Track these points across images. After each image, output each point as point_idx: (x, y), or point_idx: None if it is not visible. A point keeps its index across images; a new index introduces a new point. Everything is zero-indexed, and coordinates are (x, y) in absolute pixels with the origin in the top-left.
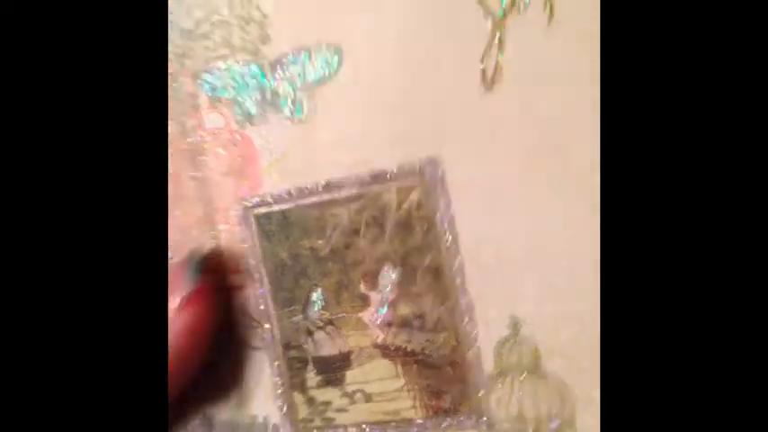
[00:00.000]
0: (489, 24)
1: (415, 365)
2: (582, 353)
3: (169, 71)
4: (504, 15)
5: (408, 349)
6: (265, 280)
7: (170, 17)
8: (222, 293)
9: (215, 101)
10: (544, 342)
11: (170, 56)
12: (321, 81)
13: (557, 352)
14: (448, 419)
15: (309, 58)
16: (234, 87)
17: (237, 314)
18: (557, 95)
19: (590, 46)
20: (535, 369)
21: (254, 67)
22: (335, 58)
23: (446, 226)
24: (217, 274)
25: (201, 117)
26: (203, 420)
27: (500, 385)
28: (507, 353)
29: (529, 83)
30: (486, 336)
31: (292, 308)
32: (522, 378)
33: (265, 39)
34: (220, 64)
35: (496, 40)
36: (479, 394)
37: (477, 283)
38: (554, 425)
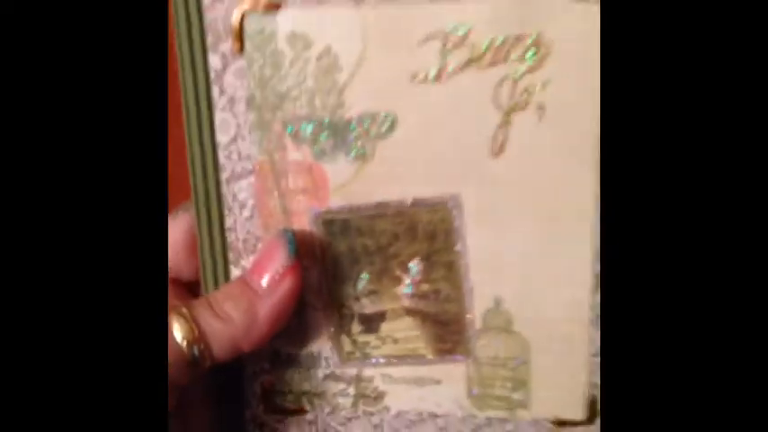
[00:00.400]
0: (500, 116)
1: (429, 322)
2: (537, 321)
3: (265, 118)
4: (510, 110)
5: (425, 311)
6: (328, 263)
7: (269, 80)
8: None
9: (299, 141)
10: (515, 313)
11: (267, 107)
12: (379, 137)
13: (521, 319)
14: (448, 356)
15: (372, 120)
16: (314, 134)
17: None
18: (547, 165)
19: (568, 136)
20: (507, 328)
21: (328, 122)
22: (391, 122)
23: (458, 237)
24: (303, 250)
25: (286, 153)
26: (273, 355)
27: (484, 337)
28: (491, 318)
29: (525, 154)
30: (478, 306)
31: (346, 283)
32: (498, 333)
33: (340, 104)
34: (305, 118)
35: (503, 127)
36: (470, 342)
37: (476, 274)
38: (516, 362)
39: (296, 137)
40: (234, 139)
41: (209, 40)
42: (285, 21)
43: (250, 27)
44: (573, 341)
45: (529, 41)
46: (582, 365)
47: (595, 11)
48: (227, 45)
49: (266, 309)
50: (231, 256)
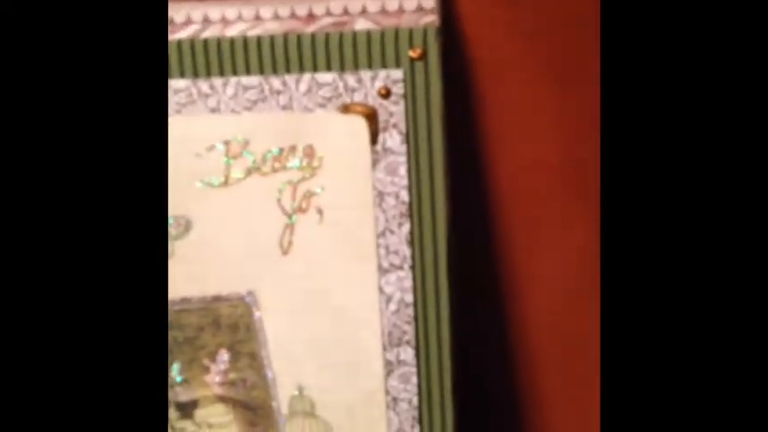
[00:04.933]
0: (286, 218)
1: (239, 408)
2: (338, 406)
3: None
4: (294, 213)
5: (235, 398)
6: None
7: None
8: None
9: None
10: (317, 399)
11: None
12: (177, 237)
13: (323, 405)
14: None
15: (169, 222)
16: None
17: None
18: (331, 262)
19: (346, 235)
20: (311, 414)
21: None
22: (185, 224)
23: (259, 329)
24: None
25: None
26: None
27: (291, 422)
28: (295, 404)
29: (310, 253)
30: (283, 393)
31: None
32: (303, 418)
33: None
34: None
35: (289, 228)
36: (279, 426)
37: (278, 363)
38: None
39: None
40: None
41: None
42: None
43: None
44: (372, 424)
45: (302, 152)
46: None
47: (361, 123)
48: None
49: None
50: None
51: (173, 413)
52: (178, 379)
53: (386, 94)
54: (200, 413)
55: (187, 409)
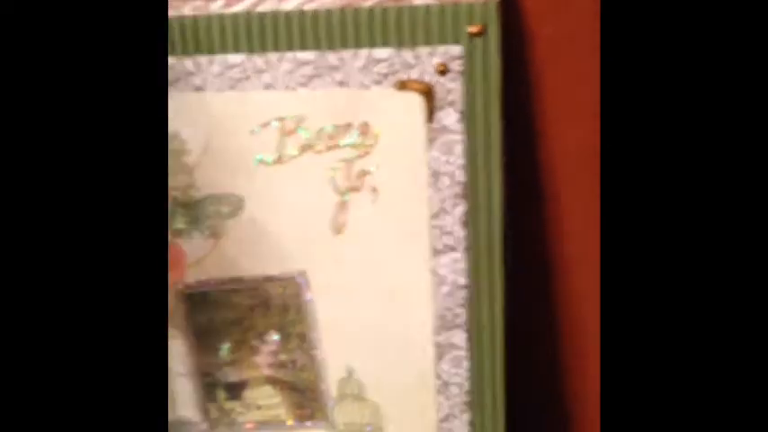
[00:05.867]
0: (339, 197)
1: (288, 390)
2: (387, 389)
3: None
4: (347, 191)
5: (283, 380)
6: (191, 334)
7: None
8: None
9: None
10: (366, 382)
11: None
12: (228, 216)
13: (372, 388)
14: (308, 422)
15: (221, 201)
16: (170, 212)
17: None
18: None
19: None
20: (360, 396)
21: (181, 201)
22: (238, 203)
23: (309, 310)
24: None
25: None
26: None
27: (340, 404)
28: (344, 386)
29: (363, 233)
30: (332, 375)
31: (208, 352)
32: (352, 401)
33: (191, 185)
34: None
35: (342, 207)
36: (327, 409)
37: (328, 345)
38: (370, 429)
39: None
40: None
41: None
42: None
43: None
44: (421, 408)
45: (357, 130)
46: (431, 431)
47: (417, 100)
48: None
49: None
50: None
51: (221, 394)
52: (227, 359)
53: (443, 70)
54: (248, 394)
55: (236, 390)
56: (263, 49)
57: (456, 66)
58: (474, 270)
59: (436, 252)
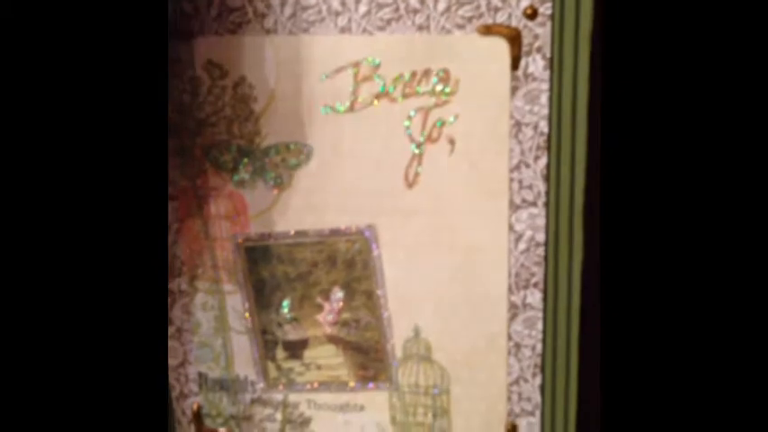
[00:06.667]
0: (413, 148)
1: (350, 350)
2: (455, 350)
3: (185, 144)
4: (423, 142)
5: (346, 339)
6: (251, 289)
7: (188, 107)
8: None
9: (218, 168)
10: (434, 342)
11: (186, 133)
12: (295, 166)
13: (440, 349)
14: (371, 383)
15: (288, 150)
16: (233, 161)
17: None
18: (460, 197)
19: (478, 168)
20: (427, 357)
21: (246, 150)
22: (306, 152)
23: (376, 266)
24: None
25: (207, 178)
26: (200, 378)
27: (405, 365)
28: (410, 346)
29: (438, 186)
30: (398, 335)
31: (269, 309)
32: (418, 362)
33: (257, 132)
34: (223, 144)
35: (416, 158)
36: (391, 370)
37: (394, 303)
38: (436, 391)
39: (215, 163)
40: None
41: None
42: (201, 49)
43: (169, 55)
44: (491, 371)
45: (436, 77)
46: (500, 395)
47: (503, 45)
48: None
49: None
50: None
51: (280, 353)
52: (288, 317)
53: (532, 14)
54: (309, 353)
55: (296, 349)
56: None
57: (546, 9)
58: (553, 227)
59: (514, 207)
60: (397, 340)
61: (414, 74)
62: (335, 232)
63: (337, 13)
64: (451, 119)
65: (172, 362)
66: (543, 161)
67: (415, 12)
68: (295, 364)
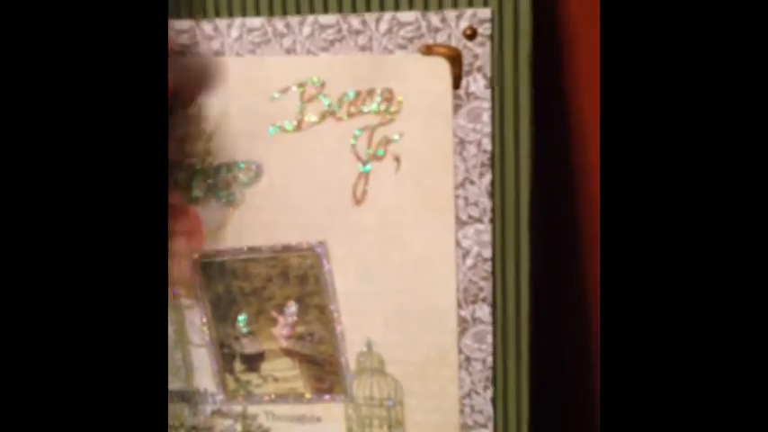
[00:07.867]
0: (360, 166)
1: (306, 363)
2: (408, 363)
3: None
4: (368, 161)
5: (302, 353)
6: (207, 304)
7: None
8: None
9: (174, 185)
10: (386, 356)
11: None
12: (247, 184)
13: (392, 362)
14: (326, 396)
15: (239, 168)
16: (187, 179)
17: None
18: (406, 213)
19: (423, 185)
20: (380, 370)
21: (199, 169)
22: (256, 171)
23: (328, 281)
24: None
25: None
26: None
27: (359, 378)
28: (364, 360)
29: (385, 203)
30: (351, 348)
31: (225, 323)
32: (371, 375)
33: (208, 152)
34: (176, 163)
35: (363, 177)
36: (346, 382)
37: (347, 317)
38: (390, 403)
39: (172, 181)
40: None
41: None
42: None
43: None
44: (443, 384)
45: (380, 96)
46: (453, 407)
47: (443, 65)
48: None
49: None
50: None
51: (238, 366)
52: (244, 330)
53: (471, 34)
54: (266, 366)
55: (253, 362)
56: (284, 12)
57: (485, 29)
58: (500, 242)
59: (461, 223)
60: (351, 354)
61: (358, 93)
62: (288, 248)
63: (282, 35)
64: (396, 137)
65: None
66: (488, 178)
67: (358, 33)
68: (253, 377)
